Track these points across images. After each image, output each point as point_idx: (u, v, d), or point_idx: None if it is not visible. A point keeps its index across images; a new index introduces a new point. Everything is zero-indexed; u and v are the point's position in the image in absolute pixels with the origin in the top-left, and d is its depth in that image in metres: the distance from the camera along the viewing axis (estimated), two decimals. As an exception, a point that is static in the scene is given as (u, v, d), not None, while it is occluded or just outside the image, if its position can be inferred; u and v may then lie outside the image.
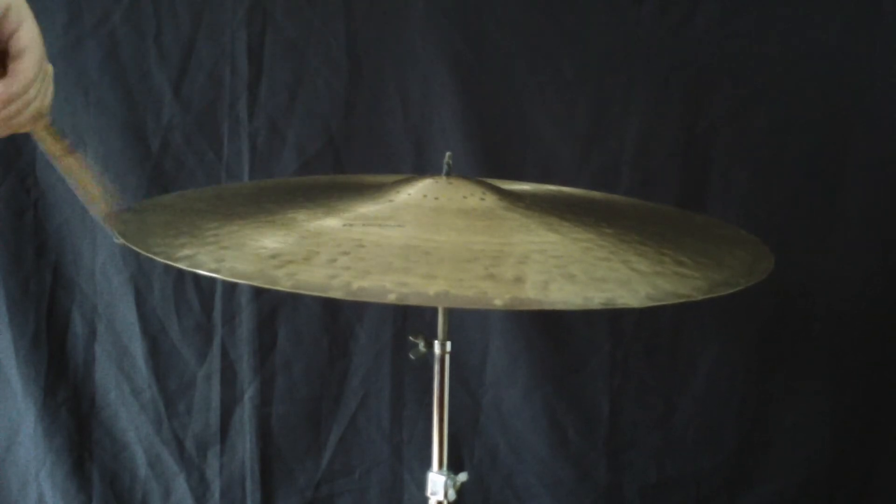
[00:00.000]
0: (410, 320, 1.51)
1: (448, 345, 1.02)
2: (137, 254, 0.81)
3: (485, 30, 1.43)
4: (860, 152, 1.45)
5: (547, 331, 1.51)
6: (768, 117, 1.45)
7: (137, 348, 1.50)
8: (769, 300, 1.47)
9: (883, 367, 1.52)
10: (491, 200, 0.90)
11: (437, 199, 0.89)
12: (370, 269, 0.71)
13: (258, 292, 1.49)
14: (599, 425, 1.53)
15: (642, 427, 1.54)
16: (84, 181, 0.88)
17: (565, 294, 0.69)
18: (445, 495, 1.04)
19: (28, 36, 0.69)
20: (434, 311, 1.05)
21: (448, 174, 0.96)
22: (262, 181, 1.39)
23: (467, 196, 0.90)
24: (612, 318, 1.51)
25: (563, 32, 1.43)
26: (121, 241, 0.82)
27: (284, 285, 0.68)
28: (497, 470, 1.56)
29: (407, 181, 0.93)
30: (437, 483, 1.04)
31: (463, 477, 1.05)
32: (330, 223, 0.82)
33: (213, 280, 1.45)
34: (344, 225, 0.82)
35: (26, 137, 1.42)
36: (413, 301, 0.66)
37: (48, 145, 0.84)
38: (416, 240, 0.78)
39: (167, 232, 0.83)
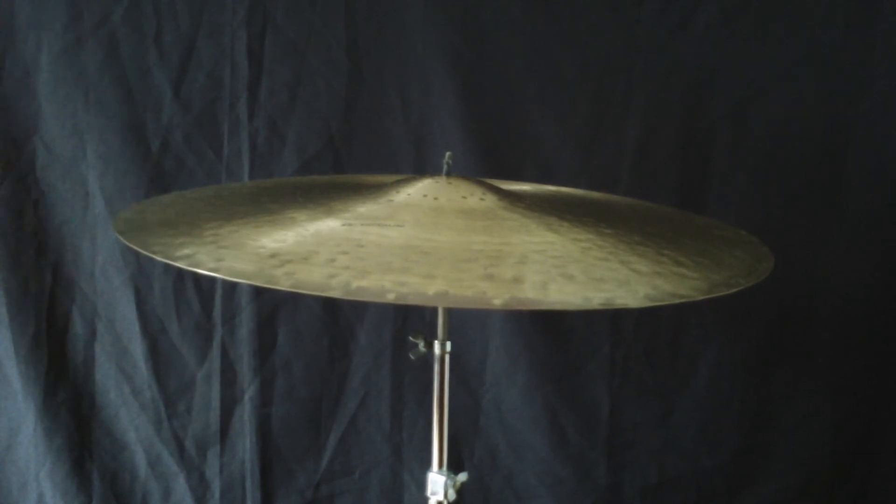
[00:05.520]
0: (410, 320, 1.51)
1: (448, 345, 1.02)
2: (137, 254, 0.81)
3: (484, 30, 1.43)
4: (860, 152, 1.45)
5: (547, 331, 1.51)
6: (768, 117, 1.45)
7: (137, 348, 1.50)
8: (769, 300, 1.47)
9: (883, 368, 1.52)
10: (491, 200, 0.90)
11: (436, 199, 0.89)
12: (369, 268, 0.71)
13: (258, 292, 1.49)
14: (599, 425, 1.53)
15: (642, 427, 1.54)
16: None
17: (564, 294, 0.69)
18: (445, 495, 1.04)
19: None
20: (434, 311, 1.05)
21: (448, 174, 0.96)
22: (262, 181, 1.39)
23: (467, 196, 0.90)
24: (611, 319, 1.51)
25: (563, 32, 1.43)
26: None
27: (284, 285, 0.68)
28: (497, 470, 1.56)
29: (407, 181, 0.93)
30: (437, 483, 1.04)
31: (463, 477, 1.05)
32: (329, 223, 0.82)
33: (212, 280, 1.45)
34: (343, 225, 0.81)
35: (26, 137, 1.43)
36: (412, 301, 0.66)
37: None
38: (416, 240, 0.78)
39: (167, 232, 0.83)
